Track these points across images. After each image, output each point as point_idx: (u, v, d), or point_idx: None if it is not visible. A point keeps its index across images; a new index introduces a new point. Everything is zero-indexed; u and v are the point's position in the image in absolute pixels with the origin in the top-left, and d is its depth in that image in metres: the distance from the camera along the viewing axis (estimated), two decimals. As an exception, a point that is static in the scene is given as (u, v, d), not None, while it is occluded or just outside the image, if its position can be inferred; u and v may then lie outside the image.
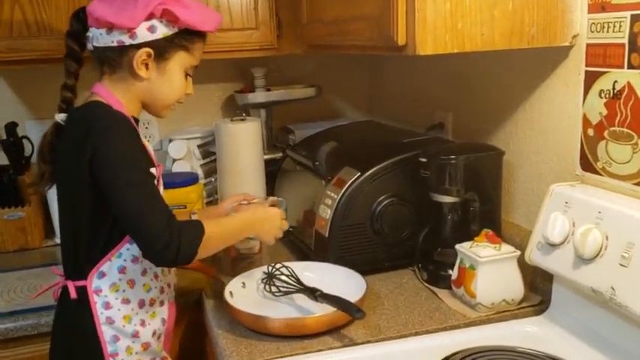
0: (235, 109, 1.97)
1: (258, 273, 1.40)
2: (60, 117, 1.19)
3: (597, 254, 1.06)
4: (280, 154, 1.96)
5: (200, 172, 1.97)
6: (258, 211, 1.33)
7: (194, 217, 1.36)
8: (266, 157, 1.90)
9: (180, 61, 1.19)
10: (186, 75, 1.23)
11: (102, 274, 1.17)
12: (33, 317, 1.40)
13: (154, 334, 1.24)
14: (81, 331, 1.18)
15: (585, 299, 1.13)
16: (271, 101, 2.02)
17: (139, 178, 1.09)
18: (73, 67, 1.20)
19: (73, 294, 1.17)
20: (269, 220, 1.30)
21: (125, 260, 1.18)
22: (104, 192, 1.08)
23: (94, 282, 1.17)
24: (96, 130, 1.09)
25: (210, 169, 1.99)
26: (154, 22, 1.13)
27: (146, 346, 1.22)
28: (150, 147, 1.21)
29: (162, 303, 1.26)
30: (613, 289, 1.02)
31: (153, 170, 1.14)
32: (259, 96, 2.01)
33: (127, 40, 1.13)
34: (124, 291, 1.19)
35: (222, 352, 1.18)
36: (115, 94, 1.18)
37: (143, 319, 1.22)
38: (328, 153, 1.62)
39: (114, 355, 1.18)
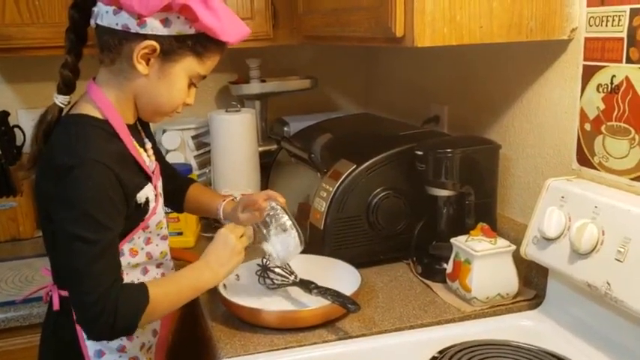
0: (230, 100, 1.96)
1: (252, 265, 1.39)
2: (60, 99, 1.07)
3: (593, 249, 1.06)
4: (275, 146, 1.94)
5: (194, 163, 1.96)
6: (201, 262, 1.13)
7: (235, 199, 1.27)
8: (261, 148, 1.89)
9: (187, 67, 1.05)
10: (191, 84, 1.09)
11: None
12: (24, 308, 1.39)
13: (142, 347, 1.17)
14: (63, 345, 1.11)
15: (580, 294, 1.13)
16: (266, 92, 2.01)
17: (90, 234, 0.96)
18: (73, 42, 1.05)
19: (56, 305, 1.08)
20: (222, 256, 1.13)
21: None
22: (54, 235, 1.00)
23: None
24: (61, 167, 0.97)
25: (204, 161, 1.98)
26: (171, 15, 1.00)
27: None
28: (144, 155, 1.13)
29: None
30: (608, 284, 1.02)
31: (116, 221, 1.01)
32: (254, 87, 2.00)
33: (134, 27, 0.99)
34: None
35: (215, 344, 1.17)
36: (108, 94, 1.06)
37: None
38: (324, 145, 1.61)
39: None
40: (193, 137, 1.98)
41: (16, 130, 1.87)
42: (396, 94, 2.04)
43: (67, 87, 1.08)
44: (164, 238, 1.18)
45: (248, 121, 1.74)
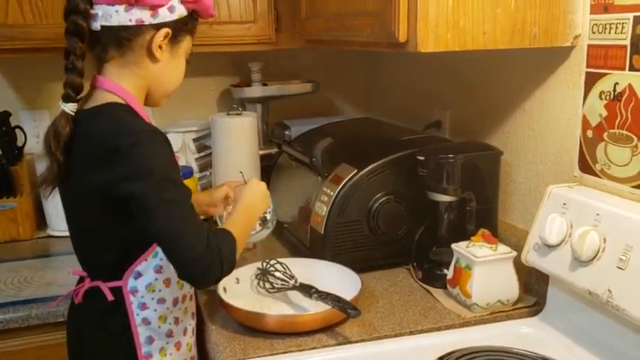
0: (231, 103, 1.96)
1: (252, 269, 1.39)
2: (69, 107, 1.07)
3: (595, 256, 1.06)
4: (276, 150, 1.94)
5: (195, 166, 1.96)
6: (246, 197, 1.25)
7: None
8: (261, 152, 1.89)
9: (186, 46, 1.15)
10: (186, 62, 1.18)
11: (138, 275, 1.12)
12: (23, 309, 1.38)
13: (185, 331, 1.22)
14: (114, 333, 1.14)
15: (581, 301, 1.12)
16: (268, 96, 2.01)
17: (173, 196, 1.01)
18: (79, 47, 1.05)
19: (110, 296, 1.11)
20: (261, 196, 1.27)
21: (162, 259, 1.12)
22: (136, 213, 1.02)
23: (129, 282, 1.12)
24: (129, 148, 1.00)
25: (205, 164, 1.98)
26: (175, 1, 1.08)
27: (178, 346, 1.20)
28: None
29: (191, 297, 1.24)
30: (610, 291, 1.02)
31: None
32: (256, 90, 2.00)
33: (148, 19, 1.05)
34: (160, 290, 1.14)
35: (215, 348, 1.17)
36: (122, 83, 1.10)
37: (177, 317, 1.19)
38: (325, 149, 1.61)
39: (147, 356, 1.15)
40: (194, 140, 1.98)
41: (17, 130, 1.87)
42: (398, 99, 2.04)
43: (76, 94, 1.08)
44: None
45: (249, 125, 1.74)
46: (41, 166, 1.78)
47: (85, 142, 1.07)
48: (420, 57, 1.82)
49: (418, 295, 1.34)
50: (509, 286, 1.26)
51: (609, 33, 1.13)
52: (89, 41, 1.07)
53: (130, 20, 1.05)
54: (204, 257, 1.00)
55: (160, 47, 1.09)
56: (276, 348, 1.14)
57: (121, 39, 1.07)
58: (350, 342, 1.16)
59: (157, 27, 1.07)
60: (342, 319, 1.21)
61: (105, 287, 1.12)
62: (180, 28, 1.11)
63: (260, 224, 1.40)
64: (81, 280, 1.20)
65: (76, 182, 1.10)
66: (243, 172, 1.42)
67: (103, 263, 1.14)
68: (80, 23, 1.05)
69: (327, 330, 1.19)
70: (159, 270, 1.14)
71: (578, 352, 1.10)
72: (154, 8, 1.05)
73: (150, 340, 1.15)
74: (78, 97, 1.08)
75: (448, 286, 1.31)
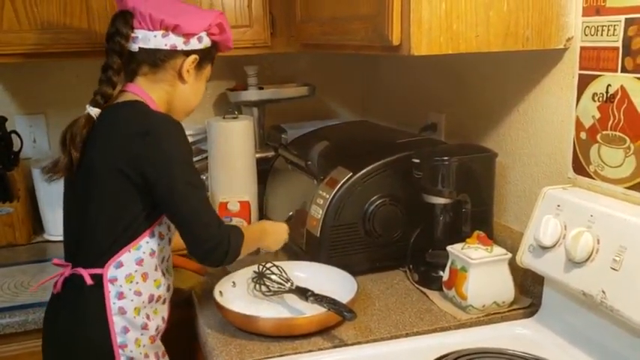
0: (227, 107, 1.96)
1: (248, 272, 1.39)
2: (94, 111, 1.19)
3: (588, 257, 1.06)
4: (272, 153, 1.95)
5: (192, 169, 1.96)
6: (264, 225, 1.43)
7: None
8: (258, 155, 1.89)
9: (207, 72, 1.31)
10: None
11: (119, 264, 1.17)
12: (20, 314, 1.38)
13: (157, 329, 1.25)
14: (90, 321, 1.18)
15: (576, 302, 1.13)
16: (264, 100, 2.01)
17: (196, 180, 1.17)
18: (117, 64, 1.21)
19: (89, 280, 1.16)
20: (277, 233, 1.40)
21: (144, 253, 1.19)
22: (159, 193, 1.14)
23: (110, 271, 1.17)
24: (153, 133, 1.14)
25: (202, 167, 1.97)
26: (203, 33, 1.25)
27: (153, 339, 1.23)
28: None
29: (164, 301, 1.27)
30: (604, 292, 1.02)
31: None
32: (252, 94, 2.00)
33: (180, 46, 1.22)
34: (137, 283, 1.19)
35: (211, 351, 1.17)
36: (150, 93, 1.24)
37: (148, 314, 1.22)
38: (321, 152, 1.61)
39: (122, 346, 1.18)
40: (191, 144, 1.98)
41: (13, 135, 1.87)
42: (394, 102, 2.05)
43: (104, 102, 1.21)
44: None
45: (245, 128, 1.74)
46: (37, 172, 1.79)
47: (108, 128, 1.18)
48: (414, 60, 1.82)
49: (414, 298, 1.35)
50: (504, 288, 1.26)
51: (601, 35, 1.13)
52: (126, 58, 1.22)
53: (166, 45, 1.22)
54: (215, 236, 1.14)
55: (188, 71, 1.25)
56: (272, 351, 1.14)
57: (156, 59, 1.23)
58: (346, 344, 1.16)
59: (187, 53, 1.24)
60: (338, 321, 1.21)
61: (85, 272, 1.17)
62: (205, 57, 1.28)
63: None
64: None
65: (89, 166, 1.18)
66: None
67: (91, 248, 1.19)
68: (123, 43, 1.21)
69: (323, 333, 1.19)
70: (140, 262, 1.19)
71: (573, 352, 1.10)
72: (186, 36, 1.22)
73: (125, 330, 1.18)
74: (105, 105, 1.20)
75: (444, 288, 1.31)
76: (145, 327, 1.21)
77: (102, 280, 1.17)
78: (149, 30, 1.21)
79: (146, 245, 1.19)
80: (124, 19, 1.21)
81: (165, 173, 1.14)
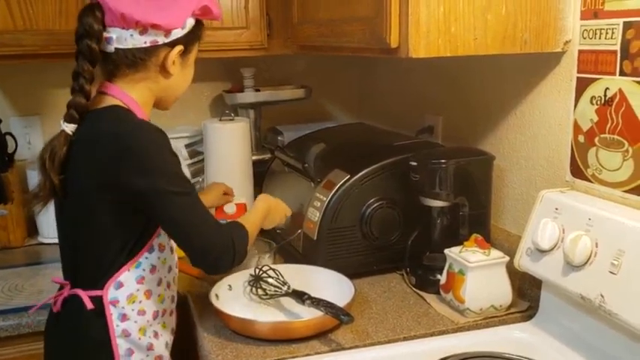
0: (224, 109, 1.95)
1: (244, 275, 1.39)
2: (70, 127, 1.08)
3: (587, 261, 1.06)
4: (269, 155, 1.94)
5: (187, 172, 1.95)
6: (268, 201, 1.36)
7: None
8: (254, 157, 1.89)
9: (194, 52, 1.19)
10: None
11: (119, 285, 1.11)
12: (14, 318, 1.37)
13: (166, 345, 1.20)
14: (92, 345, 1.13)
15: (574, 306, 1.13)
16: (260, 102, 2.01)
17: (184, 188, 1.07)
18: (89, 71, 1.08)
19: (89, 305, 1.10)
20: (277, 209, 1.37)
21: (144, 270, 1.13)
22: (149, 209, 1.07)
23: (110, 293, 1.11)
24: (135, 148, 1.04)
25: (198, 170, 1.97)
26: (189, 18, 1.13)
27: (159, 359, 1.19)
28: None
29: (171, 312, 1.23)
30: (602, 296, 1.02)
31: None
32: (248, 96, 2.00)
33: (162, 40, 1.10)
34: (140, 302, 1.13)
35: (207, 355, 1.16)
36: (131, 94, 1.12)
37: (156, 331, 1.17)
38: (317, 155, 1.61)
39: None
40: (187, 146, 1.97)
41: (7, 137, 1.85)
42: (391, 105, 2.04)
43: (79, 116, 1.09)
44: None
45: (242, 130, 1.74)
46: (32, 174, 1.78)
47: (87, 146, 1.08)
48: (411, 62, 1.82)
49: (411, 301, 1.34)
50: (502, 291, 1.26)
51: (599, 38, 1.13)
52: (101, 61, 1.10)
53: (145, 42, 1.09)
54: (217, 245, 1.07)
55: (174, 62, 1.13)
56: (269, 355, 1.13)
57: (136, 59, 1.10)
58: (343, 348, 1.16)
59: (171, 44, 1.11)
60: (335, 325, 1.20)
61: (84, 295, 1.11)
62: (190, 39, 1.15)
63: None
64: (61, 289, 1.18)
65: (74, 188, 1.10)
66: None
67: (87, 270, 1.13)
68: (93, 47, 1.07)
69: (320, 336, 1.18)
70: (140, 280, 1.13)
71: (571, 356, 1.10)
72: (168, 30, 1.09)
73: (129, 353, 1.13)
74: (80, 119, 1.09)
75: (441, 292, 1.31)
76: (150, 348, 1.16)
77: (102, 302, 1.11)
78: (123, 28, 1.07)
79: (146, 261, 1.13)
80: (94, 16, 1.06)
81: (153, 188, 1.05)
